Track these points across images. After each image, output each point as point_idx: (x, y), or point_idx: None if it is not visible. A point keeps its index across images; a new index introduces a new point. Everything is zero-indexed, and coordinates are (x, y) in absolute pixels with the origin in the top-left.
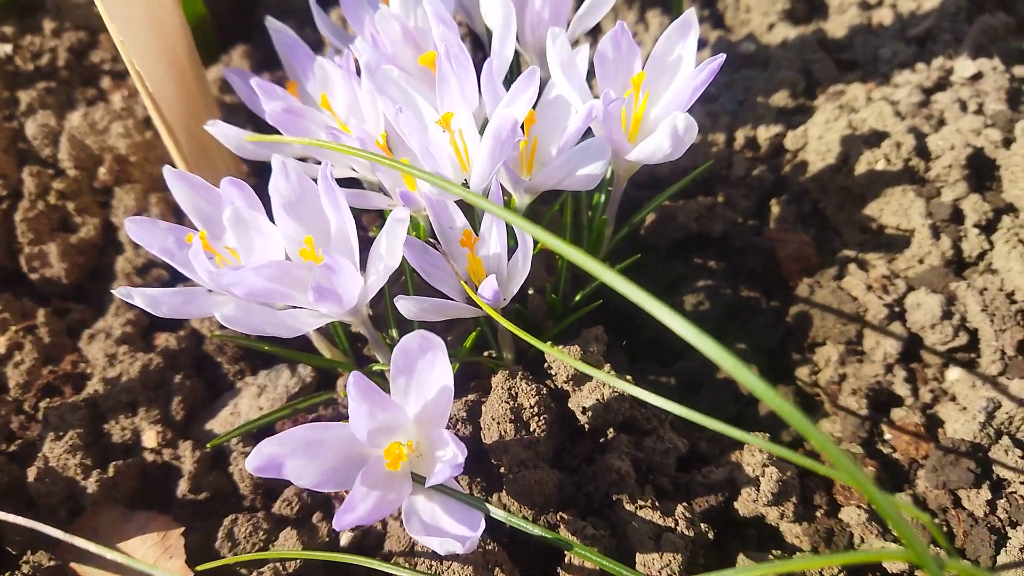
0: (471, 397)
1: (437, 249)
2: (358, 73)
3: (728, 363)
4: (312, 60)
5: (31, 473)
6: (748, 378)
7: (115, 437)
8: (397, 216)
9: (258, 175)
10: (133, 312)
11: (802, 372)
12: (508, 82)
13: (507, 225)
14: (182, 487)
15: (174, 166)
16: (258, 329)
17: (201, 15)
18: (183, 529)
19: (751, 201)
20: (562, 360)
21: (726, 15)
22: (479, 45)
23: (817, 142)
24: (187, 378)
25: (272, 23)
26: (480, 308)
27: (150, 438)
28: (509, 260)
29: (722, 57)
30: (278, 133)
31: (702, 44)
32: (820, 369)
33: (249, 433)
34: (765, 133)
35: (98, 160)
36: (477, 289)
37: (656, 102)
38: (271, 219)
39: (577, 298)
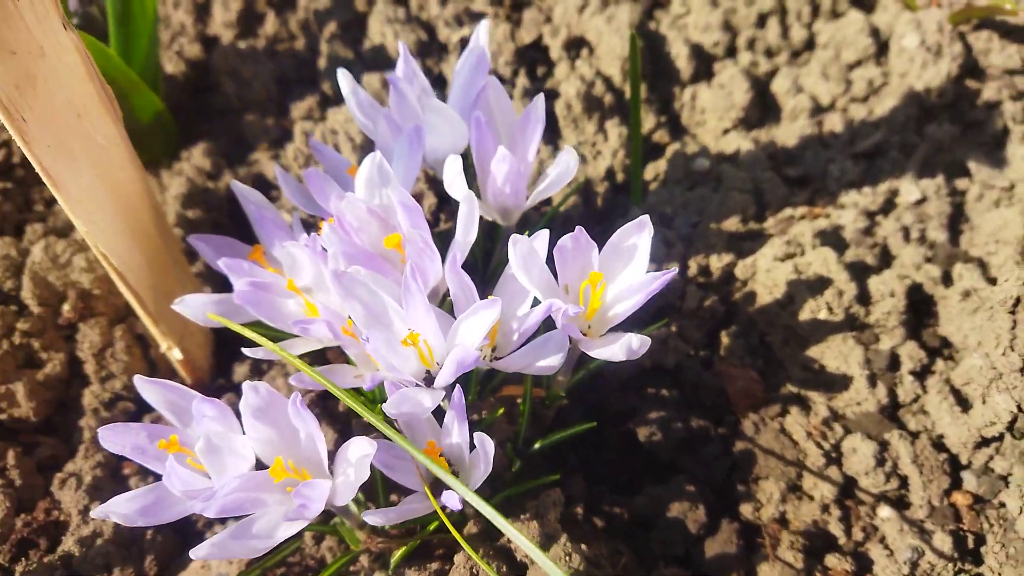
0: (434, 566)
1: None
2: (323, 248)
3: None
4: (278, 228)
5: None
6: None
7: None
8: (363, 452)
9: None
10: (102, 454)
11: (746, 508)
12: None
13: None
14: None
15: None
16: (233, 556)
17: (159, 110)
18: None
19: (702, 332)
20: (521, 531)
21: (682, 115)
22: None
23: (765, 275)
24: (158, 532)
25: (239, 188)
26: (440, 501)
27: None
28: (471, 451)
29: (675, 271)
30: None
31: (659, 152)
32: (762, 505)
33: None
34: (717, 262)
35: (62, 296)
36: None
37: (612, 282)
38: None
39: (537, 445)
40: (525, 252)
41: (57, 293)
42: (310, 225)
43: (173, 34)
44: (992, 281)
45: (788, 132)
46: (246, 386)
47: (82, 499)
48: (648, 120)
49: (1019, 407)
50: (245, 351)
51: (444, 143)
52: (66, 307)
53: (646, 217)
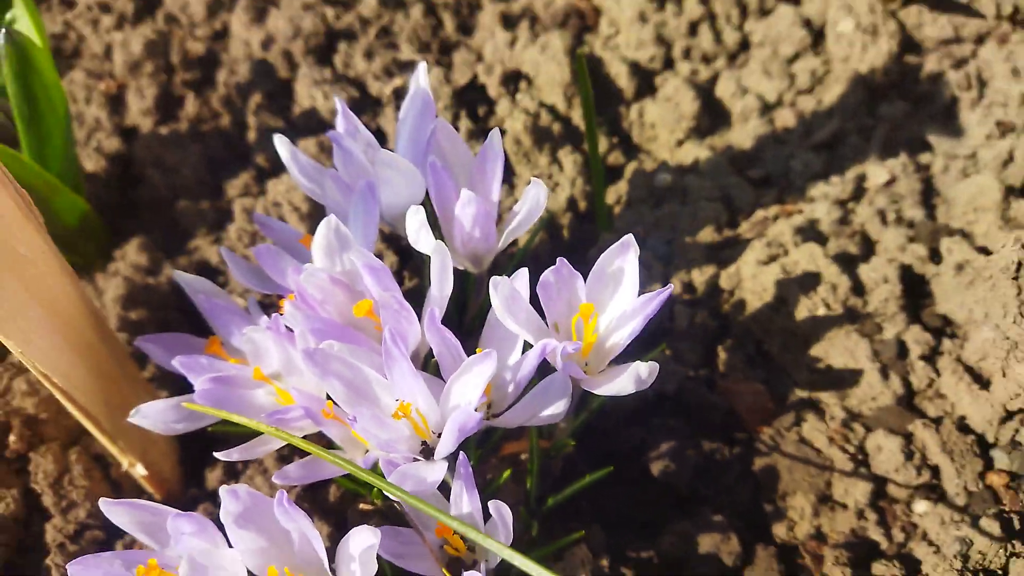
0: None
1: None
2: (287, 328)
3: None
4: (235, 315)
5: None
6: None
7: None
8: (366, 545)
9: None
10: None
11: (779, 529)
12: None
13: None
14: None
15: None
16: None
17: (84, 211)
18: None
19: (698, 352)
20: None
21: (632, 133)
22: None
23: (752, 281)
24: None
25: (183, 279)
26: None
27: None
28: (486, 521)
29: (670, 288)
30: None
31: (617, 174)
32: (796, 523)
33: None
34: (699, 276)
35: (5, 426)
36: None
37: (604, 312)
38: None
39: (550, 502)
40: (507, 294)
41: (1, 424)
42: (267, 307)
43: (89, 130)
44: (982, 250)
45: (742, 134)
46: (224, 491)
47: None
48: (600, 143)
49: None
50: (218, 455)
51: (400, 196)
52: (12, 437)
53: (629, 237)
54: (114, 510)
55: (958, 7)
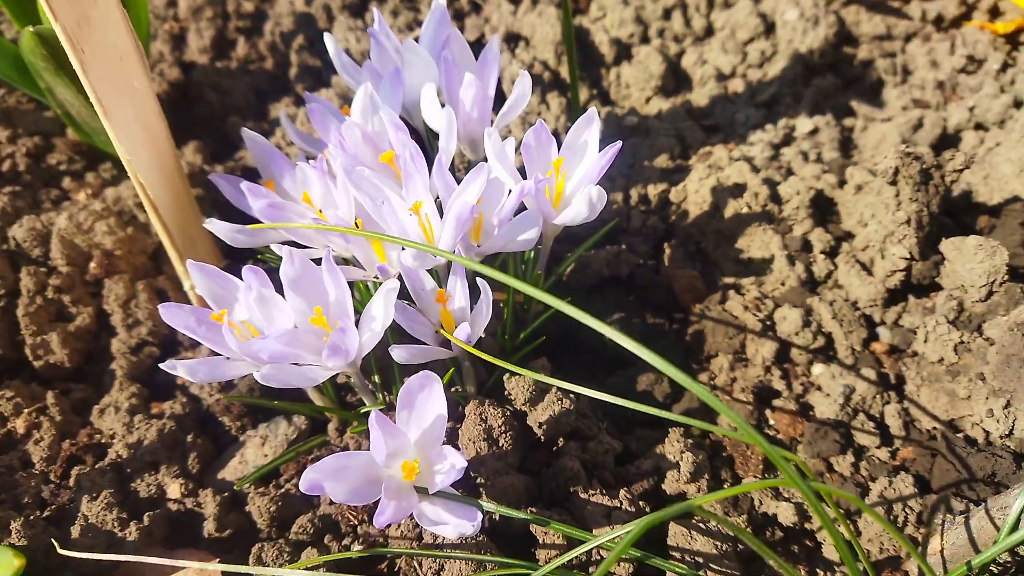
0: (447, 425)
1: (414, 307)
2: (329, 172)
3: (658, 362)
4: (286, 162)
5: (74, 531)
6: (669, 369)
7: (142, 493)
8: (389, 287)
9: (232, 260)
10: (135, 386)
11: (703, 378)
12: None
13: (468, 282)
14: (208, 527)
15: (157, 258)
16: (286, 383)
17: None
18: (218, 560)
19: (648, 246)
20: (519, 387)
21: (610, 91)
22: (416, 132)
23: (694, 195)
24: (196, 437)
25: (248, 133)
26: (450, 351)
27: (174, 490)
28: (472, 310)
29: (619, 144)
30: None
31: None
32: (716, 375)
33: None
34: (653, 190)
35: (87, 256)
36: (452, 335)
37: (571, 177)
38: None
39: (521, 336)
40: (499, 148)
41: (83, 254)
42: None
43: (153, 61)
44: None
45: (699, 95)
46: (284, 253)
47: (123, 418)
48: (581, 95)
49: (911, 254)
50: (274, 247)
51: (420, 79)
52: (92, 264)
53: (592, 111)
54: (196, 272)
55: (891, 9)
